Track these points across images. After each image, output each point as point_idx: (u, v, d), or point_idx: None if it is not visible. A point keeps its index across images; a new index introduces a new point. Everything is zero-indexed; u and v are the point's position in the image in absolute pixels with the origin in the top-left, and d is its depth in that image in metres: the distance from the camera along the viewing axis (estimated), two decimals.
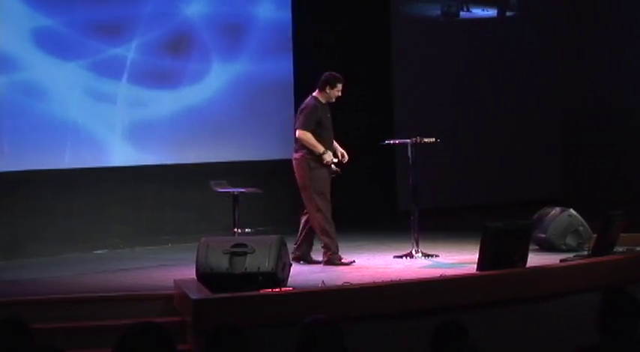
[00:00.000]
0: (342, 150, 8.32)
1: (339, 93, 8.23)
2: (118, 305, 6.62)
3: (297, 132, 8.16)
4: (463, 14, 12.94)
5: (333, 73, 8.27)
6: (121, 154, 9.96)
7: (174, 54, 10.24)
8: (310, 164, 8.11)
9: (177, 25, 10.28)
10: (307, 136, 8.12)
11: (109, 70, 9.84)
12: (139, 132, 10.04)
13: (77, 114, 9.70)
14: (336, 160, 8.16)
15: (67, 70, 9.61)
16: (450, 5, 12.79)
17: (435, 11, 12.76)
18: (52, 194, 9.58)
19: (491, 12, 13.18)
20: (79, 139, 9.69)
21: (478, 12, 13.05)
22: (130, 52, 9.95)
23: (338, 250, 8.13)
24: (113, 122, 9.91)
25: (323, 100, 8.20)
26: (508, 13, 13.36)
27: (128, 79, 9.95)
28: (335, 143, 8.35)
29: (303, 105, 8.27)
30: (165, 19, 10.22)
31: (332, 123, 8.31)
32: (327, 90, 8.18)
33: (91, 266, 8.48)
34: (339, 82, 8.20)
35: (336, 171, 8.20)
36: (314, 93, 8.24)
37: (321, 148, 8.07)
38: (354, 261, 8.10)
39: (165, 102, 10.21)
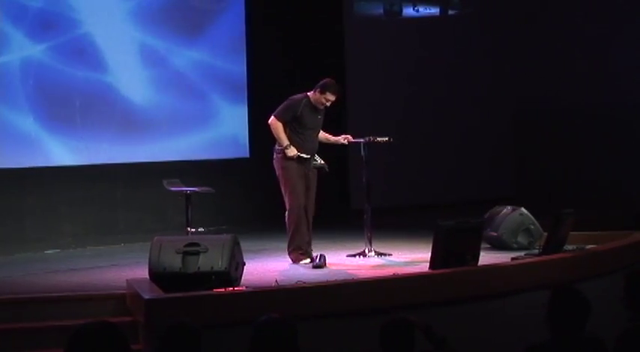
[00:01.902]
0: (322, 163, 8.22)
1: (326, 103, 8.09)
2: (69, 305, 6.56)
3: (270, 118, 8.15)
4: (406, 12, 12.98)
5: (333, 81, 8.14)
6: (73, 153, 9.87)
7: (127, 49, 10.18)
8: (282, 162, 8.11)
9: (129, 19, 10.21)
10: (276, 125, 8.10)
11: (61, 64, 9.76)
12: (91, 131, 9.96)
13: (27, 113, 9.60)
14: (305, 156, 8.09)
15: (14, 64, 9.51)
16: (393, 3, 12.83)
17: (379, 10, 12.82)
18: (2, 193, 9.47)
19: (434, 10, 13.25)
20: (30, 138, 9.60)
21: (420, 10, 13.10)
22: (79, 45, 9.88)
23: (303, 250, 8.10)
24: (64, 121, 9.82)
25: (312, 100, 8.13)
26: (450, 12, 13.45)
27: (80, 74, 9.87)
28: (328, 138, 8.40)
29: (290, 97, 8.23)
30: (116, 11, 10.14)
31: (319, 126, 8.24)
32: (317, 94, 8.08)
33: (41, 267, 8.39)
34: (329, 91, 8.04)
35: (322, 167, 8.18)
36: (309, 91, 8.16)
37: (284, 141, 8.03)
38: (315, 263, 8.08)
39: (118, 100, 10.14)
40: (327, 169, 8.24)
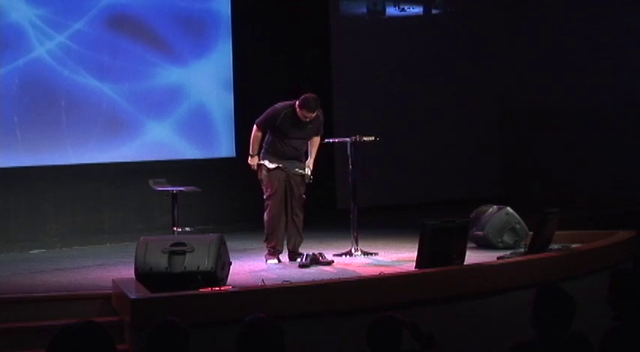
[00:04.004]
0: (303, 172, 8.17)
1: (305, 118, 7.97)
2: (55, 305, 6.54)
3: (254, 124, 8.19)
4: (389, 12, 12.99)
5: (311, 97, 7.94)
6: (59, 153, 9.85)
7: (113, 49, 10.16)
8: (261, 166, 8.16)
9: (117, 19, 10.19)
10: (254, 134, 8.14)
11: (47, 64, 9.74)
12: (77, 130, 9.94)
13: (13, 112, 9.57)
14: (270, 165, 8.06)
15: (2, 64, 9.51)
16: (376, 3, 12.85)
17: (362, 9, 12.84)
18: None
19: (418, 9, 13.26)
20: (15, 137, 9.57)
21: (404, 10, 13.10)
22: (68, 46, 9.86)
23: (275, 251, 8.16)
24: (50, 120, 9.79)
25: (297, 111, 8.03)
26: (434, 11, 13.47)
27: (65, 74, 9.85)
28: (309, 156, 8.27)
29: (275, 105, 8.17)
30: (107, 12, 10.13)
31: (306, 135, 8.15)
32: (297, 108, 7.98)
33: (27, 266, 8.37)
34: (304, 109, 7.90)
35: (302, 176, 8.15)
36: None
37: (252, 150, 8.11)
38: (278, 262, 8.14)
39: (104, 99, 10.12)
40: (309, 179, 8.21)
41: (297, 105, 7.99)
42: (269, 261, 8.15)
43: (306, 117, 8.00)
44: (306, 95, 8.02)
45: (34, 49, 9.68)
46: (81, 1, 9.99)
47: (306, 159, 8.28)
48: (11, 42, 9.56)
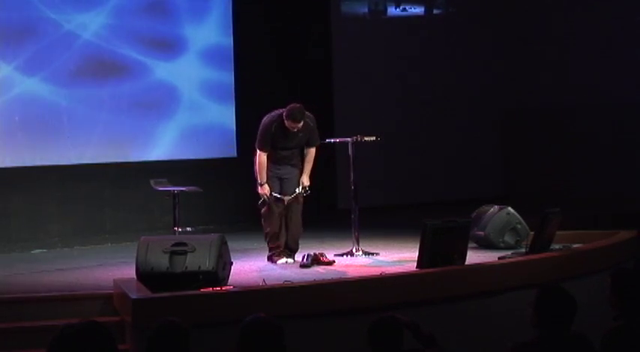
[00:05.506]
0: (296, 192, 8.17)
1: (292, 129, 7.96)
2: (56, 305, 6.55)
3: (255, 150, 8.15)
4: (391, 12, 12.97)
5: (296, 108, 7.91)
6: (60, 153, 9.85)
7: (113, 49, 10.16)
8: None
9: (116, 17, 10.20)
10: (258, 160, 8.09)
11: (51, 67, 9.75)
12: (78, 130, 9.94)
13: (15, 112, 9.58)
14: (277, 195, 8.07)
15: (5, 67, 9.51)
16: (377, 3, 12.84)
17: (364, 9, 12.83)
18: None
19: (419, 9, 13.25)
20: (17, 138, 9.57)
21: (405, 10, 13.08)
22: (70, 47, 9.86)
23: (274, 252, 8.17)
24: (52, 120, 9.80)
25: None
26: (435, 11, 13.46)
27: (69, 75, 9.85)
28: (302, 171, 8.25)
29: (263, 121, 8.14)
30: (107, 13, 10.14)
31: (299, 144, 8.14)
32: (284, 119, 7.98)
33: (28, 266, 8.37)
34: (289, 120, 7.89)
35: (299, 194, 8.17)
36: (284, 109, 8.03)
37: (260, 179, 8.08)
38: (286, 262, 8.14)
39: (106, 99, 10.13)
40: (305, 194, 8.22)
41: (284, 117, 7.97)
42: (279, 261, 8.12)
43: (294, 128, 7.98)
44: (292, 106, 7.98)
45: (33, 52, 9.68)
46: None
47: (301, 166, 8.23)
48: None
